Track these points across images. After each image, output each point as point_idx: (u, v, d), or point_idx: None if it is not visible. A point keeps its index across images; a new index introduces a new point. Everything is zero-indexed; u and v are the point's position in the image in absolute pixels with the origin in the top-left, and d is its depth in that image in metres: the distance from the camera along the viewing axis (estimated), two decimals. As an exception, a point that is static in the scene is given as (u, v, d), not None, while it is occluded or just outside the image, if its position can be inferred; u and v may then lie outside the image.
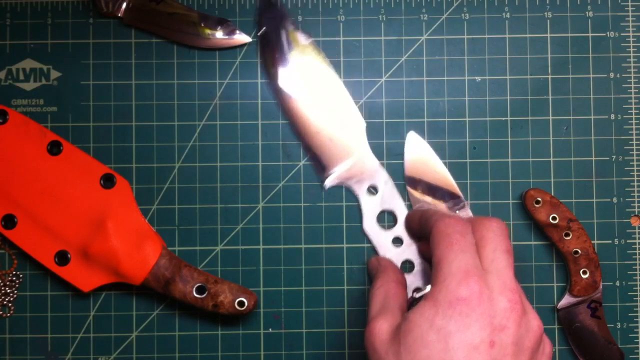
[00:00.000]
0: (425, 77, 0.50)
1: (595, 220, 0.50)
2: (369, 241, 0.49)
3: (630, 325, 0.49)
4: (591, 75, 0.50)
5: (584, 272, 0.48)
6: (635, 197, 0.50)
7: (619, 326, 0.49)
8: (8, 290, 0.49)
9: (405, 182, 0.49)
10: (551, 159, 0.50)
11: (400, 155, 0.50)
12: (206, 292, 0.46)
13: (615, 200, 0.50)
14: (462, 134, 0.50)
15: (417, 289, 0.47)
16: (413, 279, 0.48)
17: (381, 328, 0.38)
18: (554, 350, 0.49)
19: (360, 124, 0.49)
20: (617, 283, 0.49)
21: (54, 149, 0.48)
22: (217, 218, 0.49)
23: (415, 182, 0.49)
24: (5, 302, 0.49)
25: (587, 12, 0.50)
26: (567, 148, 0.50)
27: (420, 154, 0.49)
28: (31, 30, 0.50)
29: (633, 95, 0.50)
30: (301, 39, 0.49)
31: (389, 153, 0.50)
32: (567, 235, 0.48)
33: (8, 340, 0.49)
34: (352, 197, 0.49)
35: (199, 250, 0.49)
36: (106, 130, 0.50)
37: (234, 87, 0.50)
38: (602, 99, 0.50)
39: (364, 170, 0.49)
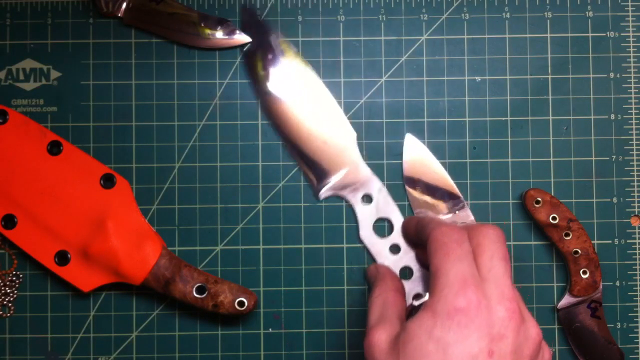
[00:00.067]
0: (425, 77, 0.50)
1: (595, 220, 0.50)
2: (367, 250, 0.49)
3: (630, 325, 0.49)
4: (591, 75, 0.50)
5: (584, 272, 0.48)
6: (635, 197, 0.50)
7: (619, 326, 0.49)
8: (8, 290, 0.49)
9: (404, 182, 0.49)
10: (551, 159, 0.50)
11: (400, 155, 0.50)
12: (206, 292, 0.46)
13: (615, 200, 0.50)
14: (462, 134, 0.50)
15: (417, 296, 0.47)
16: (412, 286, 0.48)
17: (380, 338, 0.38)
18: (554, 351, 0.49)
19: (351, 134, 0.49)
20: (617, 283, 0.49)
21: (54, 149, 0.48)
22: (217, 218, 0.49)
23: (414, 182, 0.49)
24: (5, 302, 0.49)
25: (587, 12, 0.50)
26: (567, 148, 0.50)
27: (419, 155, 0.49)
28: (31, 30, 0.50)
29: (633, 95, 0.50)
30: (289, 50, 0.49)
31: (389, 153, 0.50)
32: (567, 235, 0.48)
33: (8, 340, 0.49)
34: (352, 197, 0.49)
35: (199, 250, 0.49)
36: (106, 130, 0.50)
37: (234, 87, 0.50)
38: (602, 99, 0.50)
39: (357, 180, 0.49)
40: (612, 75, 0.50)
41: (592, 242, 0.49)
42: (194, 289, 0.46)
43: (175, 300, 0.47)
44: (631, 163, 0.50)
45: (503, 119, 0.50)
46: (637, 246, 0.50)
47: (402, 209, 0.49)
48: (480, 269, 0.37)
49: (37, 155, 0.48)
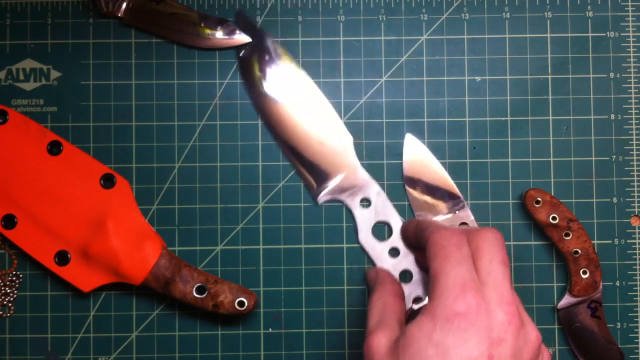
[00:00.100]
0: (425, 77, 0.50)
1: (595, 220, 0.50)
2: (366, 254, 0.49)
3: (630, 325, 0.49)
4: (591, 75, 0.50)
5: (584, 272, 0.48)
6: (635, 197, 0.50)
7: (619, 326, 0.49)
8: (8, 290, 0.49)
9: (404, 182, 0.49)
10: (551, 159, 0.50)
11: (400, 155, 0.50)
12: (206, 292, 0.46)
13: (615, 200, 0.50)
14: (462, 134, 0.50)
15: (417, 299, 0.47)
16: (412, 289, 0.48)
17: (379, 342, 0.38)
18: (554, 351, 0.49)
19: (348, 138, 0.49)
20: (617, 283, 0.49)
21: (54, 149, 0.48)
22: (217, 218, 0.49)
23: (414, 182, 0.49)
24: (5, 302, 0.49)
25: (587, 12, 0.50)
26: (567, 148, 0.50)
27: (419, 155, 0.49)
28: (31, 30, 0.50)
29: (633, 95, 0.50)
30: (284, 53, 0.49)
31: (389, 153, 0.50)
32: (567, 235, 0.48)
33: (8, 340, 0.49)
34: (352, 197, 0.49)
35: (199, 250, 0.49)
36: (106, 130, 0.50)
37: (234, 87, 0.50)
38: (602, 99, 0.50)
39: (355, 184, 0.49)
40: (612, 75, 0.50)
41: (592, 242, 0.49)
42: (194, 289, 0.46)
43: (175, 300, 0.47)
44: (631, 163, 0.50)
45: (503, 119, 0.50)
46: (637, 246, 0.50)
47: (402, 209, 0.49)
48: (480, 273, 0.37)
49: (37, 155, 0.48)
